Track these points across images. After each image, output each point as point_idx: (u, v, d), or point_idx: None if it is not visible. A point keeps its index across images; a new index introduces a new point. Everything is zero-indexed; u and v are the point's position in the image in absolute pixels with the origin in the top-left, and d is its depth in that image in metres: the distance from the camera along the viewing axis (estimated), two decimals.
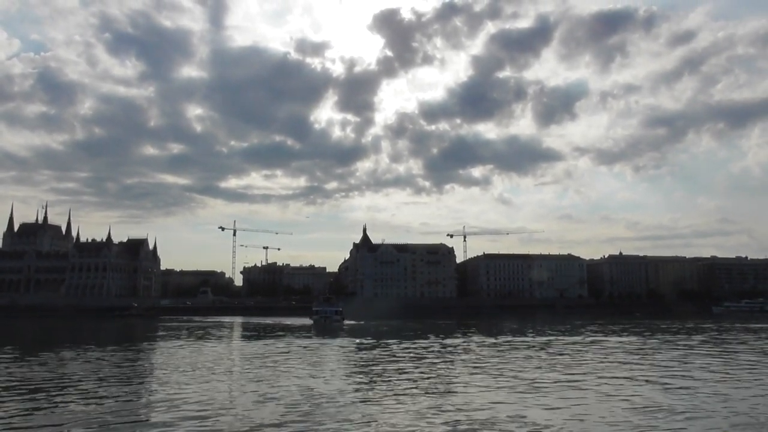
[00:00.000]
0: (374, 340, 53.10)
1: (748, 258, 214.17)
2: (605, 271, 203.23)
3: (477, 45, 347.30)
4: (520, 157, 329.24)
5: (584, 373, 29.22)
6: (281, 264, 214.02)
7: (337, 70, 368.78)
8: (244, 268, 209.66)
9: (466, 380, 27.32)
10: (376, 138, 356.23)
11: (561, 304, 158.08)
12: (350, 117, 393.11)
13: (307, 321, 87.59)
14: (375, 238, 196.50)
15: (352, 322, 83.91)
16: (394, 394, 23.01)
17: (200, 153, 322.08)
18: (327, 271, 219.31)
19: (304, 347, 47.24)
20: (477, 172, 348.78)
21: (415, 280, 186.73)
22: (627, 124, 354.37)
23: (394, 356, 38.72)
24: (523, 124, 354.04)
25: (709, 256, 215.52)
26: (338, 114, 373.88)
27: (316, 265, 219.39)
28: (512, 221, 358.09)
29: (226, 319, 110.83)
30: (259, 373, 29.99)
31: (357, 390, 24.14)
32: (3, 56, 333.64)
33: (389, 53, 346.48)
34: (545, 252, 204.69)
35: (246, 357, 39.63)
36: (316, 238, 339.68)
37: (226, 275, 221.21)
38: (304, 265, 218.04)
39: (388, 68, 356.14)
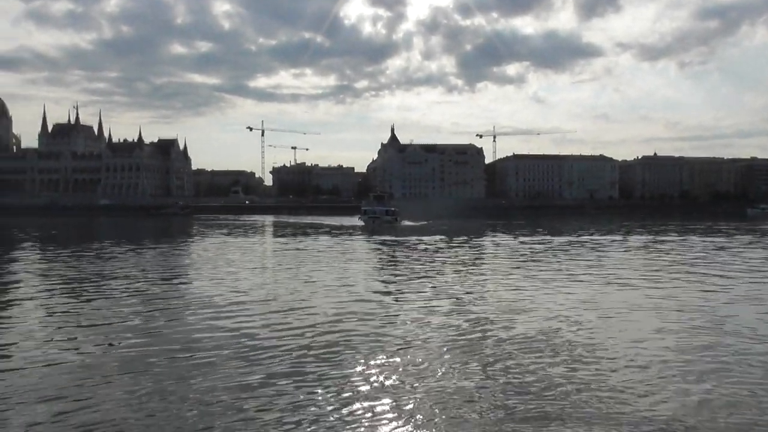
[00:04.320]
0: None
1: None
2: (638, 172, 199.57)
3: None
4: (558, 54, 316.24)
5: None
6: (310, 164, 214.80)
7: None
8: (273, 168, 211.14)
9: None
10: (408, 34, 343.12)
11: (591, 206, 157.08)
12: (381, 12, 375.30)
13: (355, 221, 79.86)
14: (404, 138, 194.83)
15: (410, 223, 77.74)
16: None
17: (229, 51, 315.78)
18: (355, 171, 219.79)
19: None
20: (512, 69, 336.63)
21: (443, 180, 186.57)
22: (675, 16, 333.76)
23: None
24: (563, 17, 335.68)
25: (749, 158, 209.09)
26: (369, 9, 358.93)
27: (344, 166, 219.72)
28: (546, 121, 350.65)
29: (258, 217, 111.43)
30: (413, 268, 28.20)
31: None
32: None
33: None
34: (578, 153, 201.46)
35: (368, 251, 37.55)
36: (345, 138, 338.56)
37: (256, 175, 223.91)
38: (332, 165, 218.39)
39: None
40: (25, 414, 8.58)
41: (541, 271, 26.96)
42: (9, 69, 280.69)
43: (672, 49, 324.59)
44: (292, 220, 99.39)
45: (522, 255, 35.40)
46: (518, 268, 28.42)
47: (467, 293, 20.26)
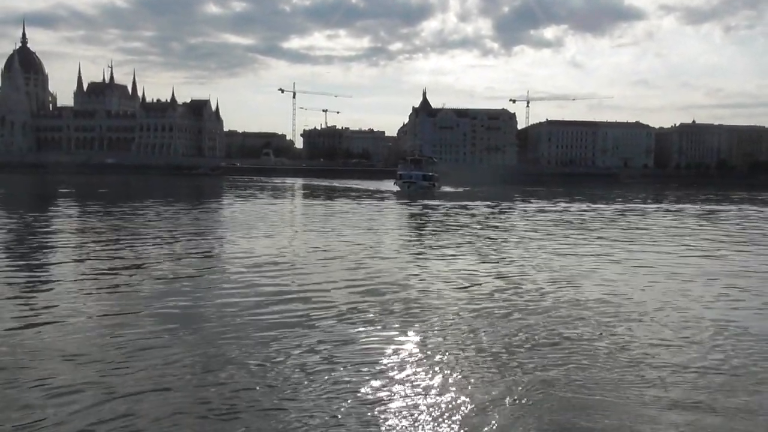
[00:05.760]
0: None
1: None
2: (675, 140, 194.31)
3: None
4: (598, 16, 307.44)
5: None
6: (341, 127, 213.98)
7: None
8: (304, 130, 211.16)
9: None
10: None
11: (625, 174, 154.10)
12: None
13: (389, 186, 75.73)
14: (437, 103, 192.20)
15: (450, 189, 75.48)
16: None
17: (263, 11, 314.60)
18: (386, 135, 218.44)
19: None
20: (549, 32, 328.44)
21: (474, 145, 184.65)
22: None
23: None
24: None
25: None
26: None
27: (375, 129, 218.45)
28: (582, 87, 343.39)
29: (289, 180, 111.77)
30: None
31: None
32: None
33: None
34: (614, 119, 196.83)
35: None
36: (377, 102, 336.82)
37: (287, 137, 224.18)
38: (363, 129, 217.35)
39: None
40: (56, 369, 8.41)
41: (599, 238, 26.91)
42: (46, 26, 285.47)
43: (718, 12, 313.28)
44: (323, 183, 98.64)
45: (574, 223, 35.25)
46: (574, 235, 28.33)
47: (528, 262, 19.72)
